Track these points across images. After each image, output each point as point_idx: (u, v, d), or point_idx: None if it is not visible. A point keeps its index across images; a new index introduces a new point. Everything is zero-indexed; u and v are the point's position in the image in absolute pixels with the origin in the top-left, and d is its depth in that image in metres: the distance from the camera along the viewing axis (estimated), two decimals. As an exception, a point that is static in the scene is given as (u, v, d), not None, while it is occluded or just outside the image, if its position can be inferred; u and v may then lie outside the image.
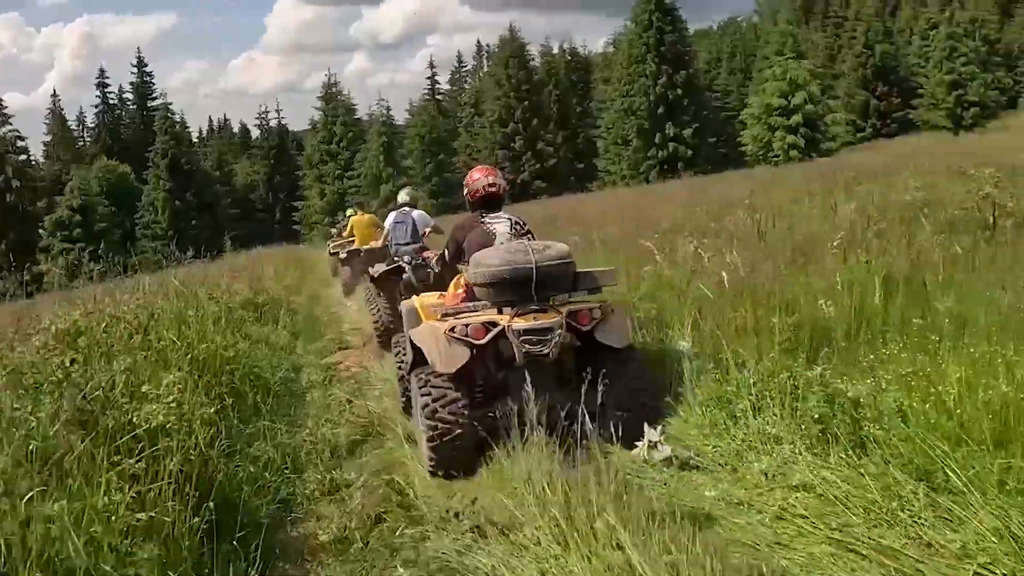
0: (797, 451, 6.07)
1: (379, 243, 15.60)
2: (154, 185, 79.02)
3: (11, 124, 77.99)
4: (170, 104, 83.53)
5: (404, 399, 8.58)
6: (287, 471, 6.94)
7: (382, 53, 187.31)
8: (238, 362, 9.24)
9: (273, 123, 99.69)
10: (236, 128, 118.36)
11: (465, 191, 8.20)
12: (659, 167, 71.43)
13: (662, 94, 72.31)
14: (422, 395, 6.92)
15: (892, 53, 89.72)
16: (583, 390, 6.52)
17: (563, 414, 6.74)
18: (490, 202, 8.01)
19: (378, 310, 12.74)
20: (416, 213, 13.83)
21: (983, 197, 10.23)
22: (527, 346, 6.80)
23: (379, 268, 12.89)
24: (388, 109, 76.95)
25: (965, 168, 14.41)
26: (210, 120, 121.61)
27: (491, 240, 7.68)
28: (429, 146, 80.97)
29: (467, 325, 6.91)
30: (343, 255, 20.14)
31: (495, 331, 6.87)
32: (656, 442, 6.60)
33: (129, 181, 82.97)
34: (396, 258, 12.87)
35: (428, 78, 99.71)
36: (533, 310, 6.97)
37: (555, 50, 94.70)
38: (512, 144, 77.64)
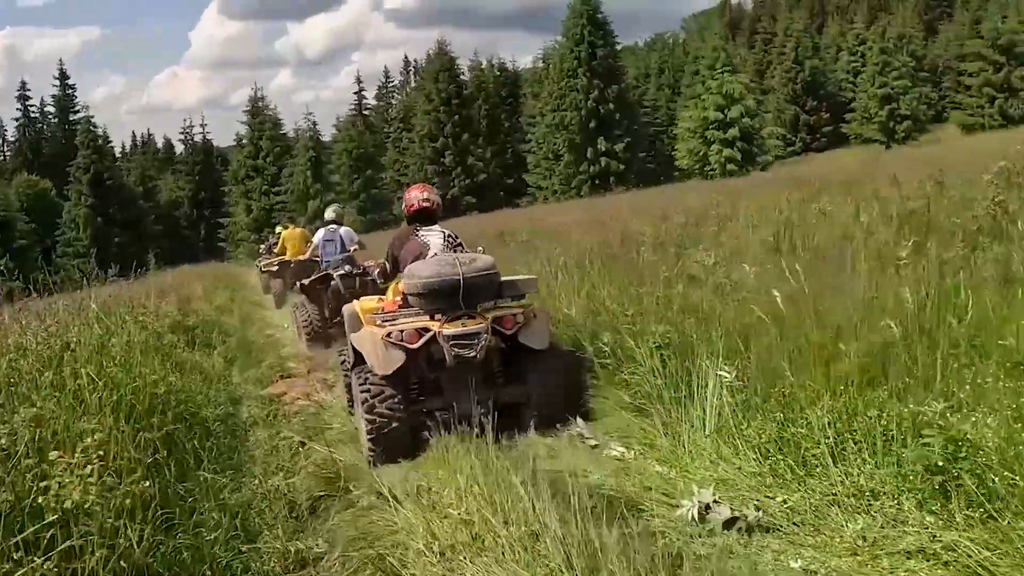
0: (904, 508, 4.87)
1: (307, 255, 16.75)
2: (75, 201, 76.94)
3: None
4: (92, 117, 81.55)
5: (348, 397, 9.15)
6: (237, 539, 5.55)
7: (307, 70, 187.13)
8: (170, 399, 7.91)
9: (198, 138, 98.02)
10: (160, 143, 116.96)
11: (403, 206, 8.84)
12: (591, 182, 70.85)
13: (593, 108, 71.77)
14: (362, 392, 7.57)
15: (820, 68, 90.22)
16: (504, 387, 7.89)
17: (489, 408, 7.45)
18: (425, 216, 8.67)
19: (307, 314, 14.42)
20: (343, 230, 15.22)
21: (997, 203, 9.27)
22: (456, 350, 7.44)
23: (309, 278, 14.67)
24: (315, 124, 75.40)
25: (937, 177, 13.78)
26: (133, 135, 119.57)
27: (425, 251, 8.34)
28: (356, 162, 78.98)
29: (402, 331, 7.54)
30: (275, 268, 21.17)
31: (427, 336, 7.50)
32: (709, 503, 5.40)
33: (50, 197, 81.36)
34: (325, 270, 14.44)
35: (355, 93, 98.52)
36: (461, 317, 7.61)
37: (484, 65, 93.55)
38: (442, 159, 76.73)
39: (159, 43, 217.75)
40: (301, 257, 17.89)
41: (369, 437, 7.47)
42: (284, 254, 20.58)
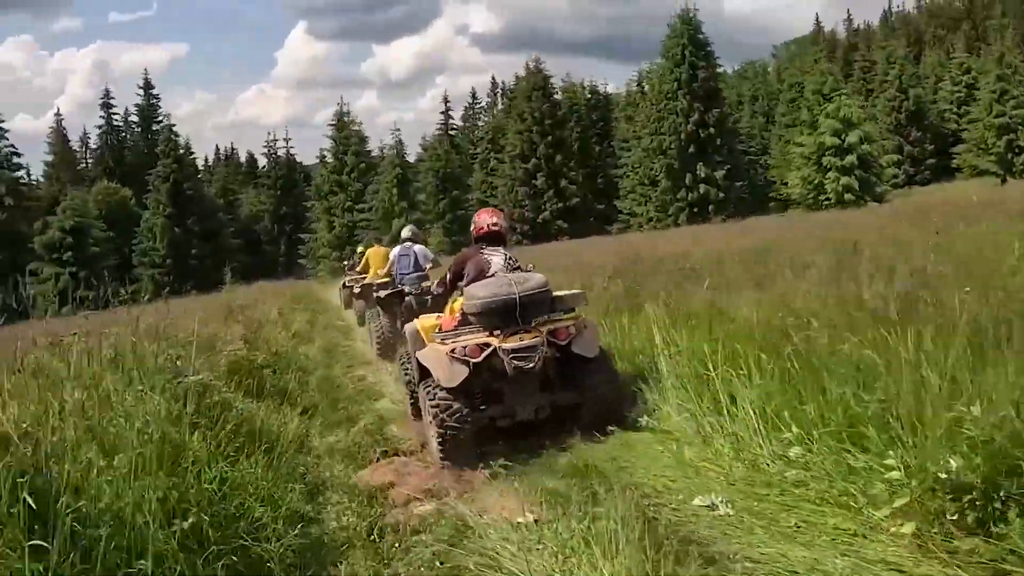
0: None
1: (384, 271, 16.52)
2: (154, 210, 75.34)
3: (7, 139, 76.09)
4: (174, 126, 79.94)
5: (412, 404, 9.85)
6: None
7: (392, 92, 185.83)
8: (201, 519, 4.52)
9: (281, 153, 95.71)
10: (243, 158, 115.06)
11: (472, 227, 9.38)
12: (688, 209, 67.51)
13: (693, 132, 68.03)
14: (431, 406, 8.04)
15: (923, 98, 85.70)
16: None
17: (547, 412, 8.34)
18: (491, 239, 9.24)
19: (381, 326, 15.33)
20: (418, 247, 15.54)
21: None
22: (516, 362, 7.95)
23: (384, 291, 15.26)
24: (400, 142, 73.01)
25: None
26: (217, 149, 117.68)
27: (487, 268, 8.87)
28: (443, 182, 76.70)
29: (465, 347, 8.04)
30: (357, 289, 21.01)
31: (489, 351, 8.00)
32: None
33: (129, 205, 79.51)
34: (400, 285, 14.90)
35: (442, 113, 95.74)
36: (519, 331, 8.13)
37: (575, 87, 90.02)
38: (533, 181, 73.40)
39: (246, 61, 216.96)
40: (382, 279, 16.94)
41: (439, 445, 7.92)
42: (366, 272, 20.13)
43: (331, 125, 76.13)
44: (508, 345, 7.97)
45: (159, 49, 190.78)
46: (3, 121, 76.08)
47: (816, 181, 59.91)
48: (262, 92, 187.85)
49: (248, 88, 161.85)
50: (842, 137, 58.58)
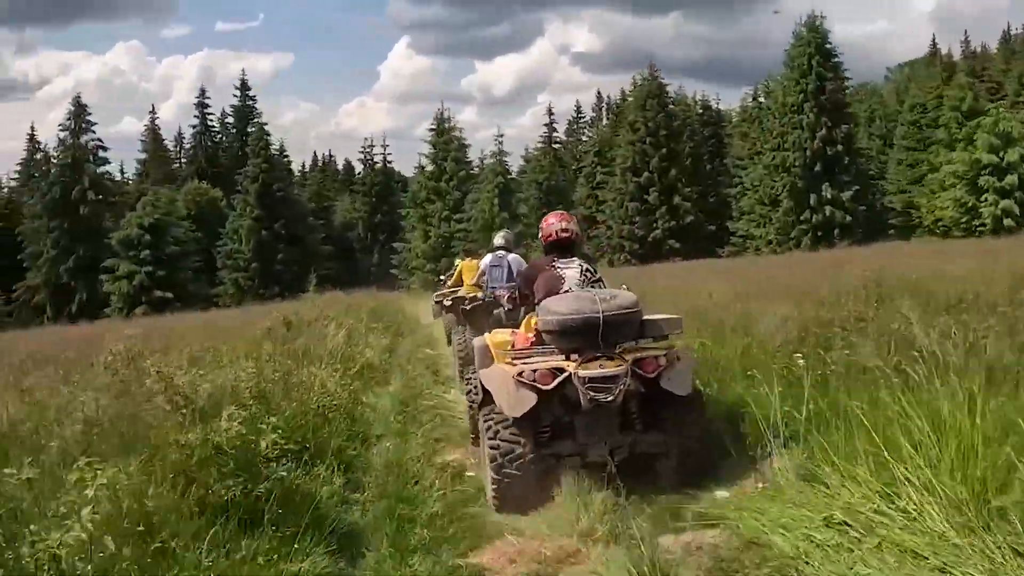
0: None
1: (473, 280, 15.63)
2: (241, 211, 71.83)
3: (94, 132, 73.13)
4: (266, 125, 76.90)
5: (473, 431, 8.94)
6: None
7: (492, 108, 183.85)
8: None
9: (378, 159, 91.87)
10: (340, 165, 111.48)
11: (540, 235, 8.53)
12: (811, 233, 61.80)
13: (819, 149, 62.08)
14: (488, 435, 7.31)
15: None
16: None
17: (624, 455, 7.30)
18: (562, 247, 8.33)
19: (464, 341, 13.59)
20: (511, 257, 14.61)
21: None
22: (592, 393, 7.00)
23: (472, 302, 14.34)
24: (502, 151, 69.29)
25: None
26: (314, 155, 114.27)
27: (560, 285, 7.96)
28: (546, 195, 72.18)
29: (535, 371, 7.15)
30: (447, 302, 18.78)
31: (562, 377, 7.11)
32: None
33: (220, 206, 76.93)
34: (490, 295, 13.37)
35: (545, 125, 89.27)
36: (599, 357, 7.14)
37: (688, 100, 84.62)
38: (645, 196, 68.08)
39: (349, 73, 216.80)
40: (474, 292, 15.70)
41: (494, 488, 7.24)
42: (459, 285, 18.59)
43: (431, 130, 72.15)
44: (585, 372, 7.08)
45: (265, 59, 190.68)
46: (90, 114, 72.65)
47: (969, 204, 54.10)
48: (363, 104, 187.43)
49: (350, 100, 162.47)
50: (1000, 155, 52.69)
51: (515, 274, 13.30)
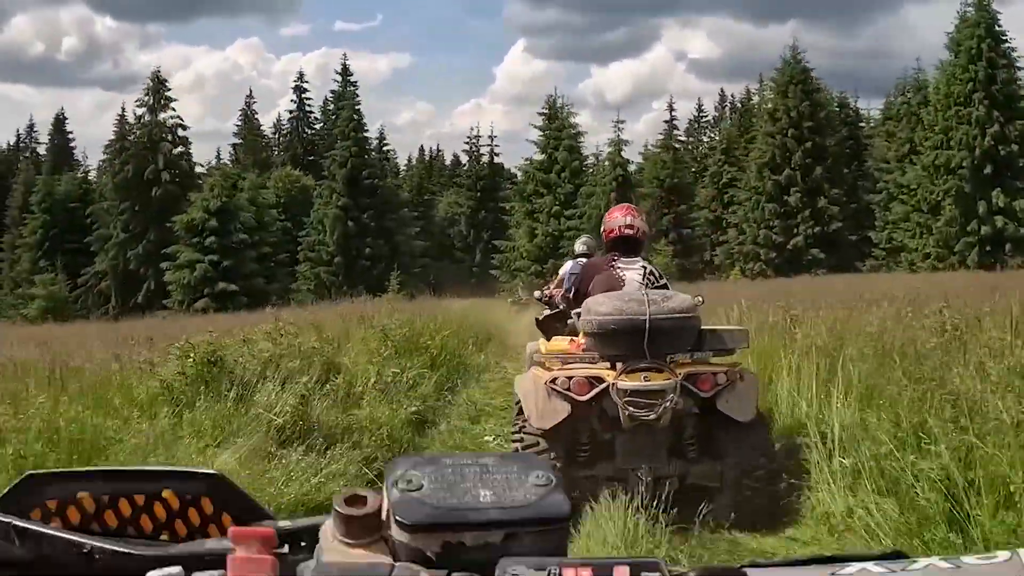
0: None
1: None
2: (326, 199, 65.40)
3: (174, 109, 67.02)
4: (358, 104, 70.10)
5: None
6: None
7: (606, 113, 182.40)
8: None
9: (485, 153, 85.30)
10: (448, 161, 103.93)
11: (602, 230, 7.81)
12: (979, 247, 53.34)
13: (990, 149, 53.56)
14: (515, 447, 6.76)
15: None
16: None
17: (673, 486, 6.38)
18: (626, 245, 7.59)
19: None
20: None
21: None
22: (632, 408, 6.33)
23: (544, 313, 11.87)
24: (621, 137, 61.56)
25: None
26: (421, 149, 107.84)
27: (619, 287, 7.23)
28: (668, 194, 65.17)
29: (570, 378, 6.49)
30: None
31: (599, 388, 6.43)
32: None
33: (312, 195, 70.85)
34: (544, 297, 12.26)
35: (666, 122, 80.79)
36: (644, 368, 6.42)
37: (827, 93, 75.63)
38: (785, 197, 59.64)
39: (466, 75, 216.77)
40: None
41: None
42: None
43: (541, 114, 64.96)
44: (626, 384, 6.28)
45: (382, 59, 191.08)
46: (169, 90, 67.08)
47: None
48: (479, 106, 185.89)
49: (466, 101, 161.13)
50: None
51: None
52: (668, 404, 6.27)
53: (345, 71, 79.39)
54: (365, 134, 68.20)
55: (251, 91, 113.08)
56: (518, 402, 7.50)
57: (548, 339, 9.82)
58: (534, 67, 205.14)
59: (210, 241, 55.40)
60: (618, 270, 7.37)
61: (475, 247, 78.96)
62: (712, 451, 6.73)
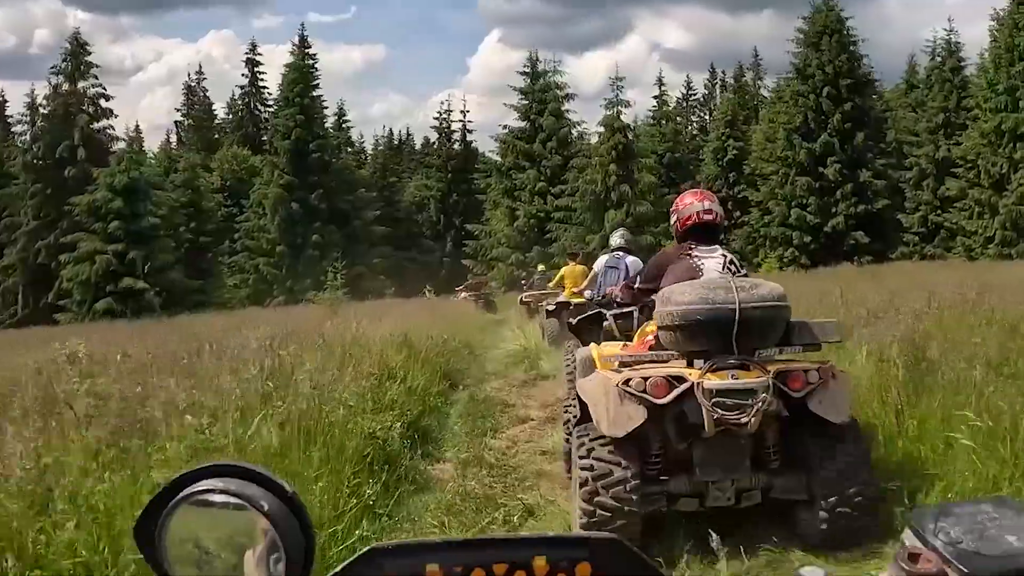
0: None
1: (583, 286, 15.31)
2: (267, 177, 56.18)
3: (96, 77, 57.18)
4: (315, 72, 60.47)
5: (567, 453, 7.47)
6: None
7: (579, 105, 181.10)
8: None
9: (458, 130, 76.11)
10: (419, 145, 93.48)
11: (674, 218, 6.88)
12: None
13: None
14: (581, 467, 5.82)
15: None
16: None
17: (755, 500, 5.86)
18: (705, 232, 6.72)
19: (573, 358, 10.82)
20: (630, 259, 13.18)
21: None
22: (721, 411, 5.46)
23: (578, 316, 10.49)
24: (620, 97, 51.35)
25: None
26: (390, 132, 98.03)
27: (697, 277, 6.36)
28: (668, 170, 57.46)
29: (646, 379, 5.62)
30: (549, 306, 18.70)
31: (681, 388, 5.55)
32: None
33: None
34: (601, 302, 11.17)
35: (654, 97, 71.01)
36: (733, 365, 5.59)
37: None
38: (821, 169, 50.05)
39: (439, 66, 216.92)
40: (578, 298, 15.14)
41: (582, 515, 5.69)
42: (560, 291, 18.62)
43: (522, 73, 55.80)
44: (713, 384, 5.41)
45: (356, 49, 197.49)
46: (91, 54, 57.62)
47: None
48: (452, 97, 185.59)
49: (440, 92, 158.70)
50: None
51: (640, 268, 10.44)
52: (760, 405, 5.38)
53: (303, 42, 69.02)
54: (317, 98, 59.07)
55: (200, 67, 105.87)
56: (568, 408, 7.62)
57: (584, 343, 8.61)
58: (508, 58, 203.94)
59: (114, 227, 45.70)
60: (696, 259, 6.47)
61: (446, 235, 70.73)
62: (799, 460, 5.89)
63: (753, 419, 5.40)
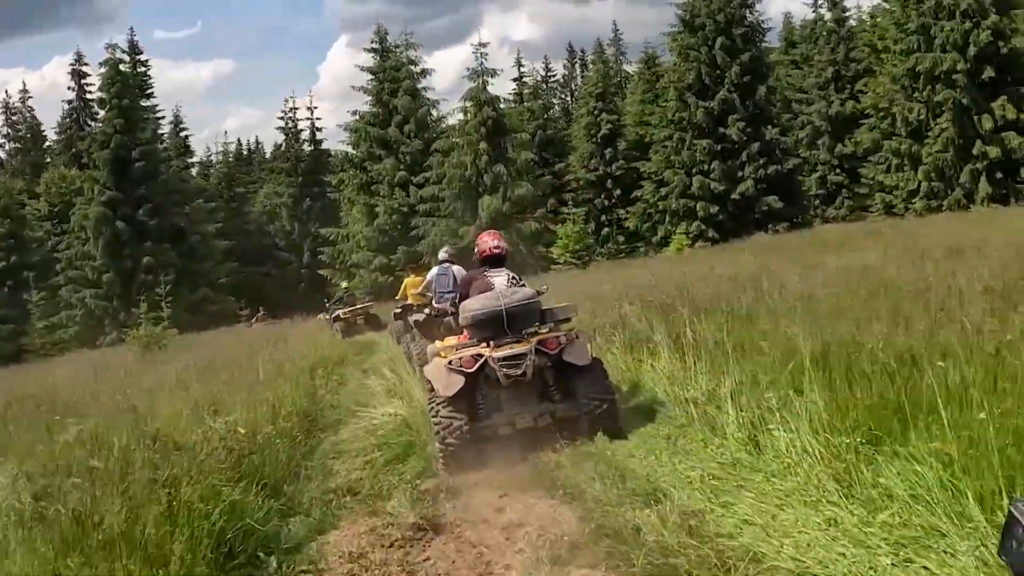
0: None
1: (419, 290, 17.45)
2: (88, 195, 48.68)
3: None
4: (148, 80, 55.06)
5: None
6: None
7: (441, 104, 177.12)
8: None
9: (305, 127, 69.40)
10: (268, 154, 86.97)
11: (475, 250, 10.25)
12: (978, 180, 40.18)
13: (988, 46, 40.10)
14: (433, 421, 8.68)
15: None
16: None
17: (546, 421, 8.88)
18: (494, 260, 9.97)
19: (421, 348, 14.81)
20: (455, 268, 15.71)
21: None
22: (505, 369, 8.66)
23: (421, 315, 15.94)
24: (485, 66, 45.45)
25: None
26: (238, 142, 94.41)
27: (490, 289, 9.52)
28: (541, 148, 52.32)
29: (460, 358, 8.78)
30: (396, 310, 19.77)
31: (481, 361, 8.71)
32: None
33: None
34: (440, 305, 14.37)
35: (514, 80, 64.86)
36: (508, 341, 8.84)
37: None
38: (721, 130, 44.43)
39: (289, 76, 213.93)
40: (419, 301, 17.68)
41: (440, 452, 8.55)
42: (405, 299, 19.96)
43: (369, 50, 49.37)
44: (498, 354, 8.62)
45: (205, 65, 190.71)
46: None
47: None
48: (298, 101, 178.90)
49: (291, 102, 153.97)
50: None
51: (459, 282, 14.10)
52: (530, 363, 8.62)
53: (134, 48, 60.70)
54: (148, 108, 52.88)
55: (24, 86, 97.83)
56: (429, 383, 9.40)
57: (432, 339, 12.68)
58: (360, 58, 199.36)
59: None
60: (489, 277, 9.69)
61: (302, 244, 63.74)
62: (569, 392, 8.94)
63: (527, 371, 8.59)
